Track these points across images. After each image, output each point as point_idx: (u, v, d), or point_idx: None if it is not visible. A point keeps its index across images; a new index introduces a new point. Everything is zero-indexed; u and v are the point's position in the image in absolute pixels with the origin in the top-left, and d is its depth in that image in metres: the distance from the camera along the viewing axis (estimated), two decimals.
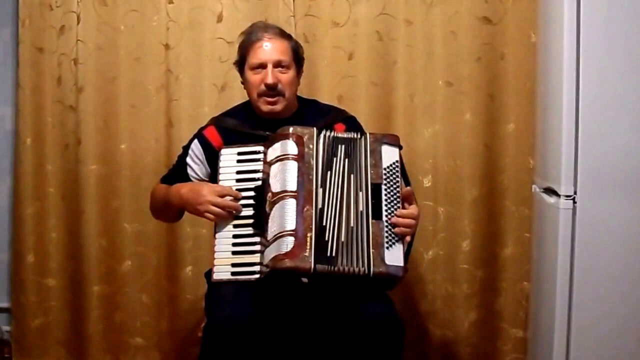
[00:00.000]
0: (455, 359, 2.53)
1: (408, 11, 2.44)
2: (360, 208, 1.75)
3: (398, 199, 1.78)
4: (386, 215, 1.75)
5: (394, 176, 1.79)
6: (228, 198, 1.79)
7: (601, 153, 1.88)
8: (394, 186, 1.78)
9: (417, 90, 2.46)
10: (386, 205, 1.76)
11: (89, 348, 2.57)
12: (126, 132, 2.54)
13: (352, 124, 2.03)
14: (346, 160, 1.78)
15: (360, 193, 1.76)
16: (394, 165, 1.80)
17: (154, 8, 2.49)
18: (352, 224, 1.74)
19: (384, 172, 1.78)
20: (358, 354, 1.72)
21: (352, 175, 1.77)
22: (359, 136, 1.83)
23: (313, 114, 1.99)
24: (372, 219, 1.74)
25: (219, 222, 1.81)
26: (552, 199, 2.01)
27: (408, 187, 1.83)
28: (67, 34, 2.51)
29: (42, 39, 2.53)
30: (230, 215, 1.79)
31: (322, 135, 1.80)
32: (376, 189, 1.76)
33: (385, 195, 1.76)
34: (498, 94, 2.45)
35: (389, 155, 1.80)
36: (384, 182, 1.77)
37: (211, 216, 1.79)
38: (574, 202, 1.90)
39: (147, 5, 2.49)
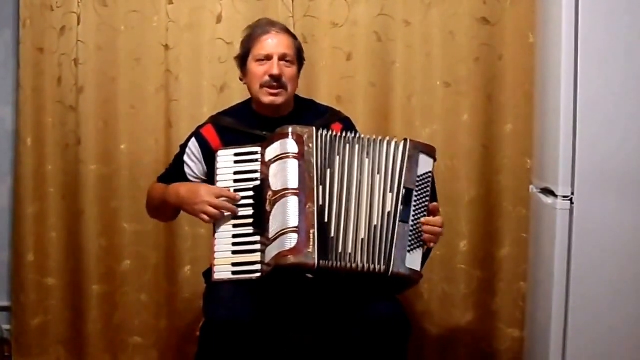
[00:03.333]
0: (452, 359, 2.53)
1: (407, 12, 2.44)
2: (388, 208, 1.75)
3: (425, 208, 1.79)
4: (412, 220, 1.76)
5: (425, 185, 1.80)
6: (225, 199, 1.80)
7: (599, 154, 1.88)
8: (424, 194, 1.79)
9: (416, 90, 2.46)
10: (414, 211, 1.77)
11: (88, 347, 2.57)
12: (126, 132, 2.54)
13: (348, 124, 2.04)
14: (367, 160, 1.78)
15: (390, 194, 1.76)
16: (427, 175, 1.81)
17: (154, 9, 2.50)
18: (375, 223, 1.75)
19: (417, 179, 1.78)
20: (364, 353, 1.72)
21: (377, 176, 1.78)
22: (383, 139, 1.82)
23: (310, 113, 2.00)
24: (400, 221, 1.75)
25: (218, 223, 1.81)
26: (549, 200, 2.01)
27: (435, 203, 1.84)
28: (67, 35, 2.51)
29: (42, 40, 2.54)
30: (226, 216, 1.80)
31: (320, 134, 1.80)
32: (408, 193, 1.76)
33: (415, 201, 1.77)
34: (496, 95, 2.45)
35: (424, 164, 1.81)
36: (416, 188, 1.78)
37: (206, 217, 1.80)
38: (571, 203, 1.90)
39: (147, 6, 2.50)
